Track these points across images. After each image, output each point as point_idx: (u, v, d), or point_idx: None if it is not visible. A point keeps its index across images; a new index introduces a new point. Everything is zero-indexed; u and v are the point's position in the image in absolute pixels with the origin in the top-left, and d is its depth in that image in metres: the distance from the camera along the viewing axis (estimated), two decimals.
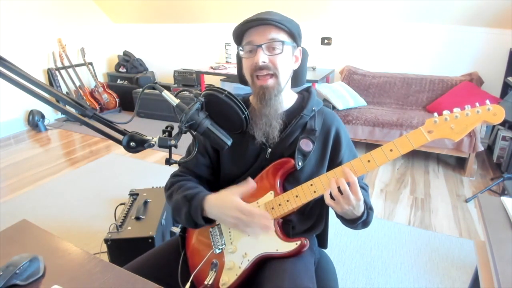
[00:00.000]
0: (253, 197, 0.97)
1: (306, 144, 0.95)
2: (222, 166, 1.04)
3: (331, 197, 0.85)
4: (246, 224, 0.84)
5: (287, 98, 1.01)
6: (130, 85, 4.61)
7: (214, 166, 1.06)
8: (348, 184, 0.82)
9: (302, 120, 0.97)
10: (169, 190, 1.01)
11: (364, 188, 1.03)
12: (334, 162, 1.00)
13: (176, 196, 0.95)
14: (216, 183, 1.09)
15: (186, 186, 0.97)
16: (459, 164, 2.99)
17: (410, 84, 3.36)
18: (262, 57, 0.89)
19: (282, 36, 0.90)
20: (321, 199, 0.88)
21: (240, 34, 0.92)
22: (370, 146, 3.12)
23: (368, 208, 0.93)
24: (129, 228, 1.54)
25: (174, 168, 1.09)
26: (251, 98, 1.05)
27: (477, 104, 0.80)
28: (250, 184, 0.89)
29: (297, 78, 1.04)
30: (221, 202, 0.88)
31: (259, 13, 0.92)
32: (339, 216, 0.94)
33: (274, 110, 0.94)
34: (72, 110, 0.80)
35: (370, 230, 2.08)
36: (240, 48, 0.94)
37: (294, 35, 0.93)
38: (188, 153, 1.06)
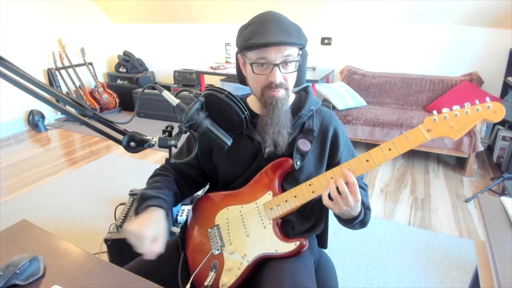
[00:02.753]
0: (252, 197, 0.97)
1: (304, 144, 0.95)
2: (220, 167, 1.05)
3: (329, 197, 0.85)
4: (133, 242, 0.83)
5: None
6: (130, 85, 4.61)
7: (201, 167, 1.08)
8: (347, 184, 0.82)
9: (300, 120, 0.97)
10: (149, 180, 1.04)
11: (363, 188, 1.03)
12: (333, 162, 1.00)
13: (143, 189, 0.98)
14: (214, 184, 1.10)
15: (154, 185, 0.99)
16: (459, 164, 2.99)
17: (410, 84, 3.36)
18: (279, 77, 0.88)
19: (295, 50, 0.89)
20: (321, 199, 0.88)
21: (252, 46, 0.86)
22: (370, 146, 3.12)
23: (366, 208, 0.93)
24: None
25: None
26: (249, 100, 1.05)
27: (476, 101, 0.79)
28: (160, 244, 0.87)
29: (297, 79, 1.04)
30: (141, 220, 0.87)
31: (273, 25, 0.85)
32: (336, 215, 0.94)
33: (284, 119, 0.93)
34: (72, 110, 0.80)
35: (370, 230, 2.08)
36: (252, 62, 0.89)
37: (304, 47, 0.93)
38: (179, 151, 1.08)
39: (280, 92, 0.90)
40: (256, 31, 0.86)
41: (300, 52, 0.93)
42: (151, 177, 1.05)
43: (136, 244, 0.82)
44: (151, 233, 0.84)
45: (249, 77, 0.95)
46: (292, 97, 1.04)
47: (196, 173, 1.09)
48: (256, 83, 0.92)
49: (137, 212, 0.92)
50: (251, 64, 0.89)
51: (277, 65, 0.87)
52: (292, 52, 0.88)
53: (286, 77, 0.90)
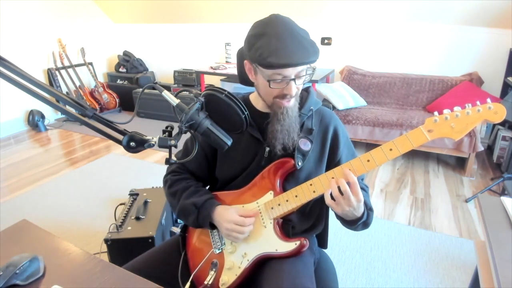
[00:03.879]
0: (253, 197, 0.97)
1: (304, 144, 0.96)
2: (220, 165, 1.05)
3: (331, 197, 0.85)
4: (239, 231, 0.91)
5: None
6: (130, 85, 4.61)
7: (210, 166, 1.08)
8: (348, 184, 0.82)
9: (299, 119, 0.98)
10: (171, 189, 1.05)
11: (364, 189, 1.03)
12: (333, 161, 1.00)
13: (183, 200, 1.00)
14: (214, 181, 1.10)
15: (191, 190, 1.02)
16: (459, 164, 2.99)
17: (410, 84, 3.36)
18: (295, 89, 0.90)
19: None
20: (321, 199, 0.88)
21: (271, 66, 0.85)
22: (370, 146, 3.12)
23: (368, 209, 0.93)
24: (129, 228, 1.54)
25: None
26: (252, 98, 1.05)
27: (478, 102, 0.79)
28: (250, 213, 0.95)
29: None
30: (221, 216, 0.95)
31: (289, 41, 0.83)
32: (339, 217, 0.94)
33: (294, 124, 0.95)
34: (72, 110, 0.80)
35: (370, 230, 2.08)
36: (269, 79, 0.88)
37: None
38: (184, 150, 1.07)
39: (291, 102, 0.93)
40: (273, 49, 0.82)
41: None
42: (172, 182, 1.06)
43: (241, 231, 0.91)
44: (233, 220, 0.92)
45: (261, 86, 0.94)
46: None
47: (206, 172, 1.09)
48: (269, 94, 0.93)
49: (198, 222, 0.97)
50: (268, 81, 0.88)
51: (294, 79, 0.88)
52: (308, 67, 0.90)
53: (299, 88, 0.93)
